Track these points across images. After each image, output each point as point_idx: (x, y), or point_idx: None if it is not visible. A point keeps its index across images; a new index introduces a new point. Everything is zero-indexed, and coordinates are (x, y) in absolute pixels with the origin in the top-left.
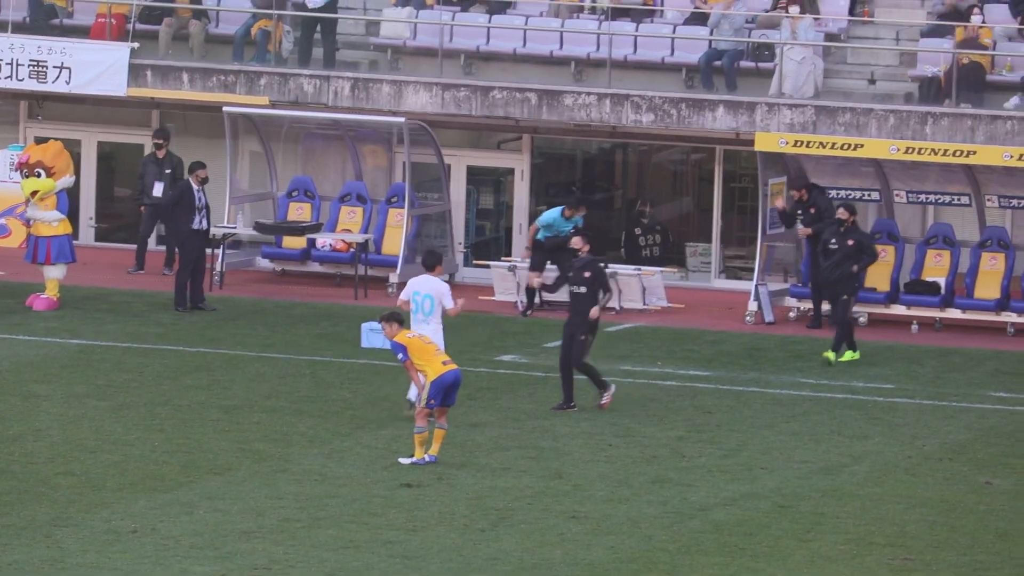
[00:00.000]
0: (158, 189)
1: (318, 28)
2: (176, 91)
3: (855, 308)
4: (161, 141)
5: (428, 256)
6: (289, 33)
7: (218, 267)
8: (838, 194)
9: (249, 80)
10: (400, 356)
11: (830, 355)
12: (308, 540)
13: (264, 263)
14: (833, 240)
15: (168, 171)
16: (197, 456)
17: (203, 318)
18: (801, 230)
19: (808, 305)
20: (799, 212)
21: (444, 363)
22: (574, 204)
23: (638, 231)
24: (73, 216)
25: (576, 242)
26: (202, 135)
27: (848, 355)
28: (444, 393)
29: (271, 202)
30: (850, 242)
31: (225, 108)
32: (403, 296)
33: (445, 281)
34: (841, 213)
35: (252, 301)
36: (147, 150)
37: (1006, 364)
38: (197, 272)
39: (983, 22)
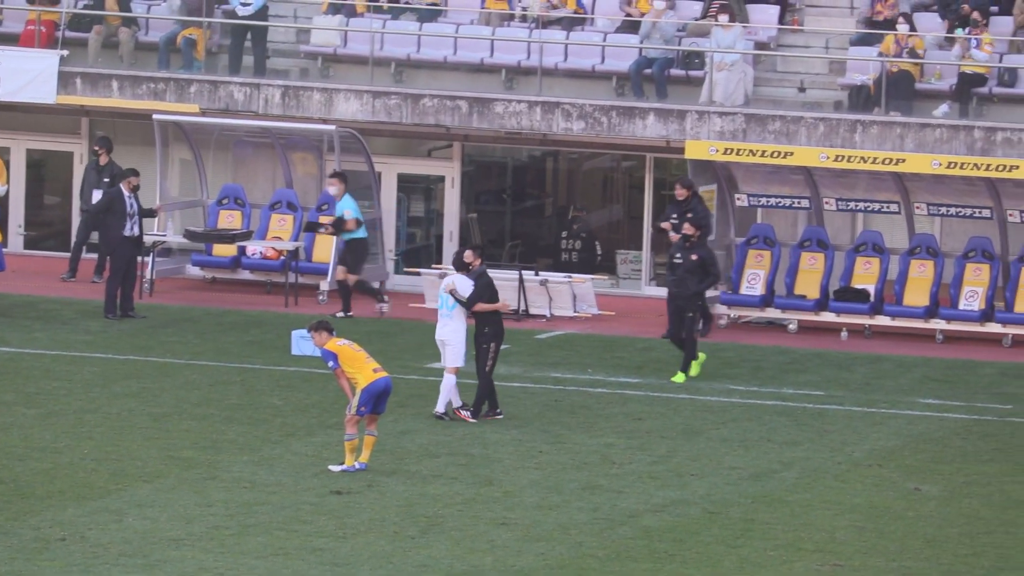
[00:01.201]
0: (97, 196)
1: (248, 36)
2: (106, 99)
3: (783, 315)
4: (98, 148)
5: (457, 257)
6: (213, 37)
7: (148, 274)
8: (767, 201)
9: (179, 88)
10: (331, 364)
11: (679, 376)
12: (237, 547)
13: (194, 271)
14: (678, 255)
15: (107, 180)
16: (126, 463)
17: (133, 326)
18: (672, 235)
19: (738, 312)
20: (674, 215)
21: (375, 371)
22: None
23: (564, 234)
24: (2, 224)
25: (468, 256)
26: (132, 143)
27: (694, 367)
28: (375, 400)
29: (201, 210)
30: (694, 257)
31: (155, 116)
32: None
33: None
34: (687, 228)
35: (182, 309)
36: (77, 158)
37: (935, 371)
38: (128, 279)
39: (910, 30)
